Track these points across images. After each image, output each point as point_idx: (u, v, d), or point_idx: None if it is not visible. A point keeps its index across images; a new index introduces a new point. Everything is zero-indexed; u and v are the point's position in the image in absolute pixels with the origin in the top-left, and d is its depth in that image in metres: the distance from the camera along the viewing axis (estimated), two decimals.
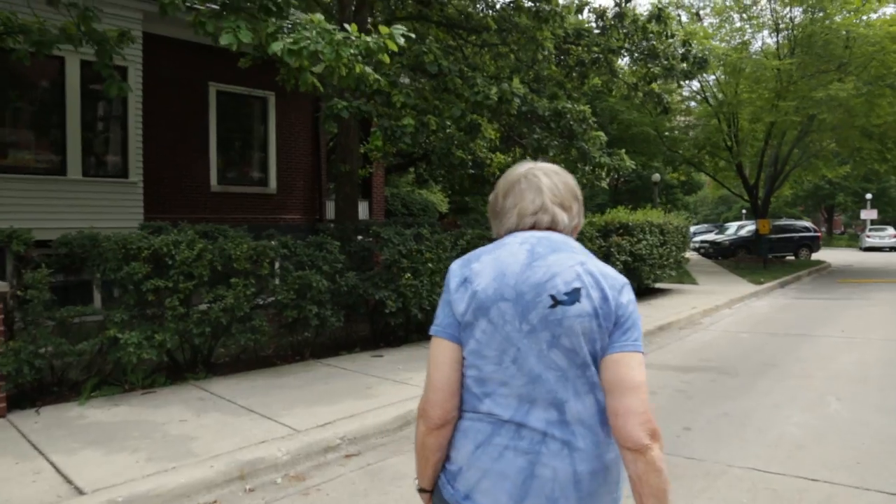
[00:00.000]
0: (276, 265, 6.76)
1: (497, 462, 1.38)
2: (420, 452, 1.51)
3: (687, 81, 10.14)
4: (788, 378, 6.60)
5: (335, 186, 11.63)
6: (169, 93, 12.01)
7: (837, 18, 17.33)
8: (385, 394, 5.71)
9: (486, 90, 6.94)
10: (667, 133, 22.65)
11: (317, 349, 7.50)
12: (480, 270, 1.45)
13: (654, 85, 10.56)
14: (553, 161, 12.25)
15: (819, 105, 16.44)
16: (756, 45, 20.95)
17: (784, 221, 28.12)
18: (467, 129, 7.88)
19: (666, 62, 9.31)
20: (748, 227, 28.46)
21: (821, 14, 17.32)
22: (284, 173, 14.68)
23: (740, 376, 6.75)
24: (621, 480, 1.44)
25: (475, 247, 8.55)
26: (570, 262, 1.40)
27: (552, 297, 1.36)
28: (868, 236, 35.51)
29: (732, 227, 30.78)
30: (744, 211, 47.94)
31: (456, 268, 1.52)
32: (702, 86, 21.75)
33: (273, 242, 6.43)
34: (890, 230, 35.95)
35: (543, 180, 1.53)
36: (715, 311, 11.72)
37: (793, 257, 26.15)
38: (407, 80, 9.33)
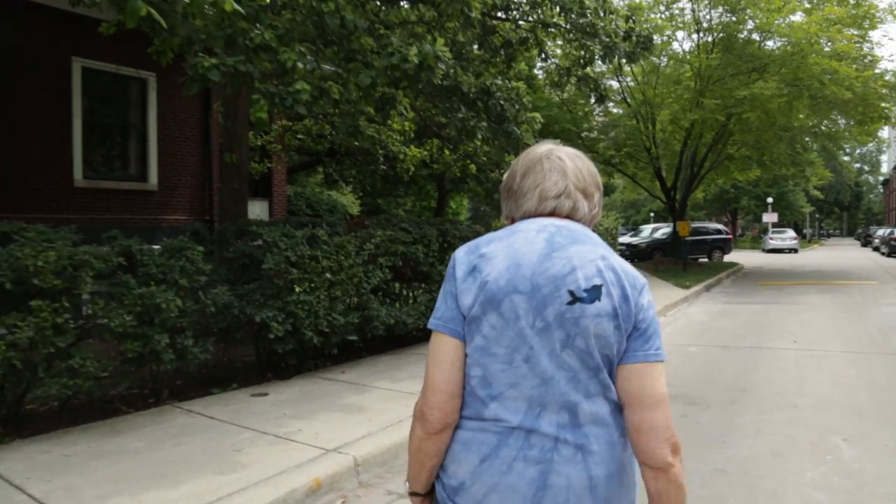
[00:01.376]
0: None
1: (506, 475, 1.25)
2: (415, 457, 1.36)
3: (626, 64, 9.11)
4: (770, 409, 5.36)
5: (221, 181, 9.69)
6: (15, 67, 9.72)
7: (752, 24, 16.90)
8: (260, 461, 3.99)
9: (403, 51, 5.33)
10: (585, 132, 21.79)
11: (181, 387, 5.66)
12: (491, 258, 1.30)
13: (587, 70, 9.26)
14: (480, 150, 10.83)
15: (741, 104, 15.84)
16: (675, 47, 20.39)
17: (697, 224, 28.01)
18: (378, 105, 6.24)
19: (607, 39, 8.00)
20: (663, 230, 28.23)
21: (741, 15, 16.79)
22: (168, 168, 12.56)
23: (712, 408, 5.45)
24: (637, 479, 1.30)
25: (387, 251, 6.95)
26: (592, 255, 1.29)
27: (571, 292, 1.24)
28: (771, 238, 36.37)
29: (647, 229, 30.56)
30: (652, 214, 48.61)
31: (462, 255, 1.36)
32: (620, 85, 21.02)
33: (104, 248, 4.56)
34: (790, 232, 37.01)
35: (568, 163, 1.39)
36: None
37: (706, 259, 26.00)
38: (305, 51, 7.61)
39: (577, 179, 1.39)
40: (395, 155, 12.79)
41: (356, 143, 11.32)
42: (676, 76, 19.38)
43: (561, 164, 1.39)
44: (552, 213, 1.37)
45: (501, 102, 7.07)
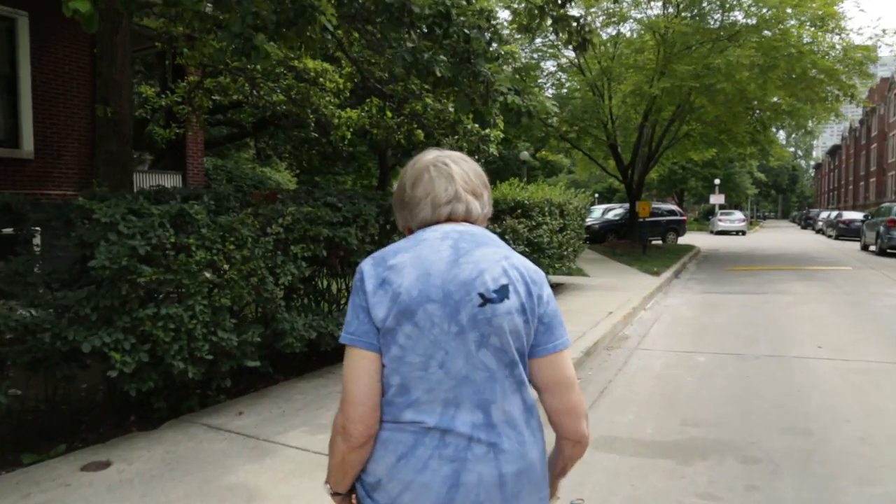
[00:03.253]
0: None
1: (420, 473, 1.25)
2: (339, 468, 1.34)
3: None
4: (870, 467, 3.59)
5: (97, 143, 7.33)
6: None
7: None
8: None
9: None
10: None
11: None
12: (401, 269, 1.28)
13: (564, 10, 7.29)
14: (430, 110, 8.66)
15: (715, 74, 14.25)
16: (637, 14, 18.64)
17: (652, 205, 26.72)
18: (291, 20, 4.10)
19: None
20: (615, 211, 26.85)
21: None
22: (48, 131, 10.07)
23: (784, 469, 3.64)
24: (546, 478, 1.37)
25: (305, 236, 4.87)
26: (496, 256, 1.31)
27: (481, 295, 1.26)
28: (720, 220, 35.61)
29: (597, 210, 29.13)
30: (596, 195, 47.50)
31: (369, 268, 1.32)
32: (576, 54, 19.23)
33: None
34: (738, 214, 36.35)
35: (453, 168, 1.39)
36: (633, 315, 8.84)
37: (660, 241, 24.73)
38: None
39: (465, 182, 1.39)
40: (328, 119, 10.62)
41: (252, 69, 9.08)
42: (640, 44, 17.69)
43: (447, 169, 1.38)
44: (448, 219, 1.37)
45: (466, 31, 5.03)
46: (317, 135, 12.63)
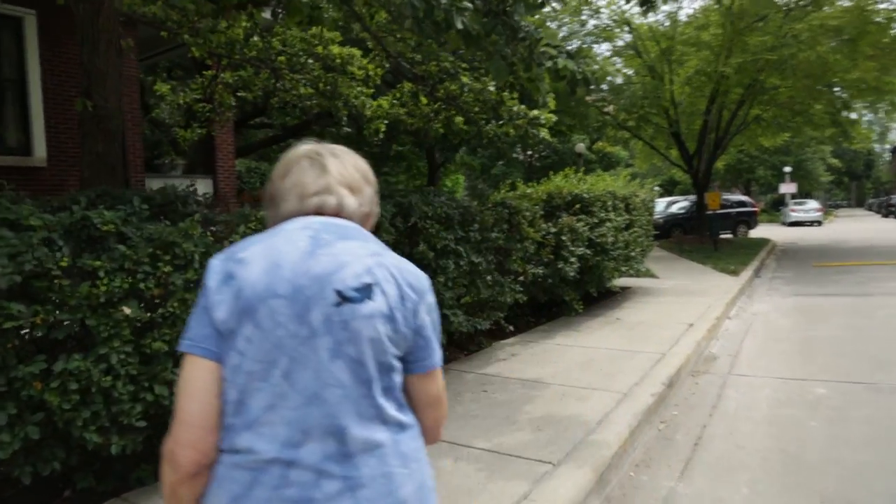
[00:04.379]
0: None
1: None
2: (171, 502, 1.07)
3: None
4: None
5: (81, 144, 6.32)
6: None
7: None
8: None
9: None
10: (591, 93, 18.30)
11: None
12: (249, 262, 1.08)
13: None
14: (468, 91, 6.86)
15: (795, 44, 12.39)
16: None
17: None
18: None
19: None
20: (679, 204, 24.95)
21: None
22: (61, 136, 9.23)
23: None
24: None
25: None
26: (363, 251, 1.11)
27: (338, 292, 1.06)
28: (793, 210, 32.87)
29: (660, 203, 27.11)
30: (656, 188, 44.92)
31: (217, 262, 1.11)
32: (633, 37, 17.54)
33: None
34: (812, 203, 33.54)
35: (329, 159, 1.21)
36: (717, 326, 7.30)
37: (731, 235, 22.66)
38: None
39: (341, 175, 1.20)
40: (359, 110, 9.45)
41: (274, 59, 7.97)
42: (703, 19, 15.87)
43: (321, 160, 1.21)
44: (318, 213, 1.17)
45: None
46: (349, 129, 11.54)
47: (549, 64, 4.28)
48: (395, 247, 4.37)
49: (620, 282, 9.82)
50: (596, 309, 8.12)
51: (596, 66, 4.46)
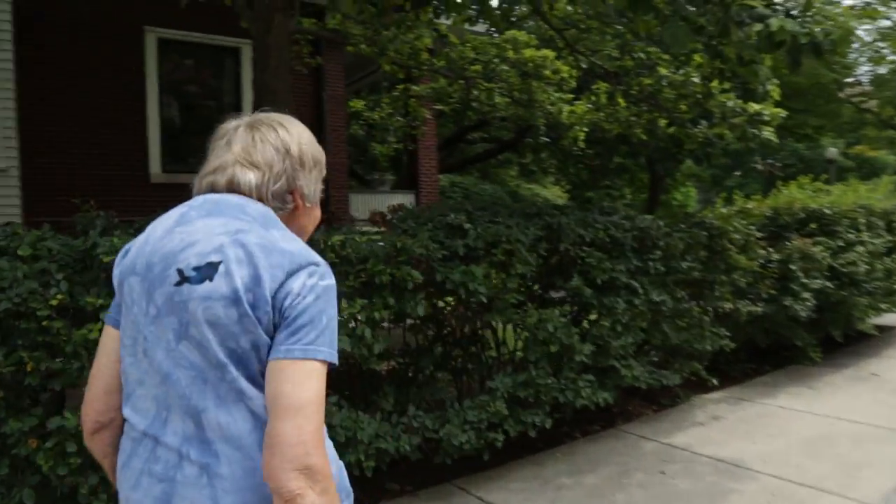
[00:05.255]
0: None
1: (134, 490, 1.03)
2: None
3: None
4: None
5: None
6: (76, 43, 7.50)
7: None
8: None
9: None
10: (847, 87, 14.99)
11: None
12: (136, 240, 1.11)
13: None
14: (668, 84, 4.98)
15: None
16: None
17: None
18: None
19: None
20: None
21: None
22: None
23: None
24: None
25: (370, 279, 2.91)
26: (223, 228, 1.03)
27: (180, 271, 1.01)
28: None
29: None
30: None
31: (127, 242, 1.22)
32: None
33: None
34: None
35: (240, 134, 1.14)
36: None
37: None
38: None
39: (245, 151, 1.12)
40: (556, 117, 8.56)
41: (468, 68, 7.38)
42: None
43: (234, 136, 1.14)
44: (211, 191, 1.12)
45: None
46: (547, 139, 10.69)
47: (757, 28, 3.01)
48: (537, 280, 3.43)
49: (880, 320, 7.51)
50: (841, 358, 6.16)
51: (830, 25, 3.09)
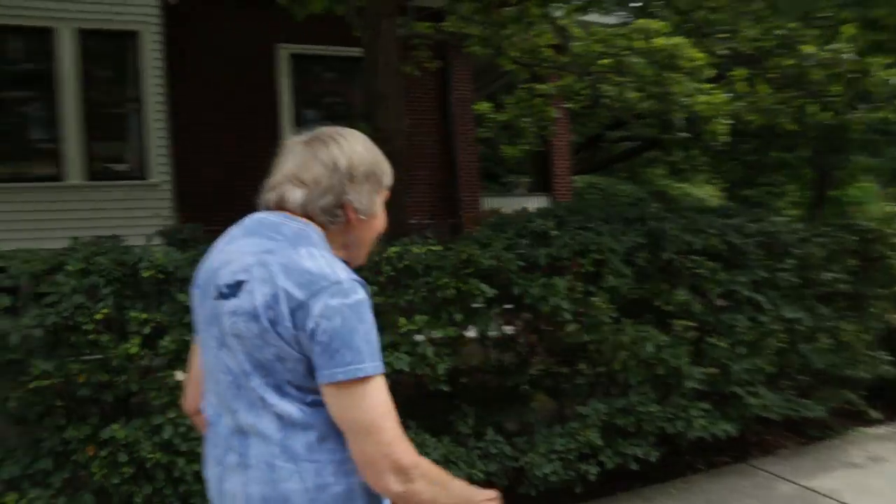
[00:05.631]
0: None
1: (206, 469, 1.20)
2: None
3: None
4: None
5: None
6: (213, 63, 8.14)
7: None
8: None
9: None
10: None
11: None
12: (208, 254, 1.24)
13: None
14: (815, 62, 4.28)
15: None
16: None
17: None
18: None
19: None
20: None
21: None
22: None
23: None
24: None
25: (430, 293, 2.74)
26: (255, 248, 1.11)
27: (217, 287, 1.13)
28: None
29: None
30: None
31: None
32: None
33: None
34: None
35: (296, 151, 1.19)
36: None
37: None
38: None
39: (298, 168, 1.17)
40: (693, 110, 7.83)
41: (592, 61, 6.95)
42: None
43: (288, 152, 1.20)
44: (268, 208, 1.20)
45: None
46: (686, 134, 9.82)
47: None
48: (635, 295, 3.03)
49: None
50: None
51: None
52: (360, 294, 1.07)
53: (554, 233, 2.95)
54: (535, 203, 11.16)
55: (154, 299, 2.15)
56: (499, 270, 2.69)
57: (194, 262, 2.23)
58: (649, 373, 3.03)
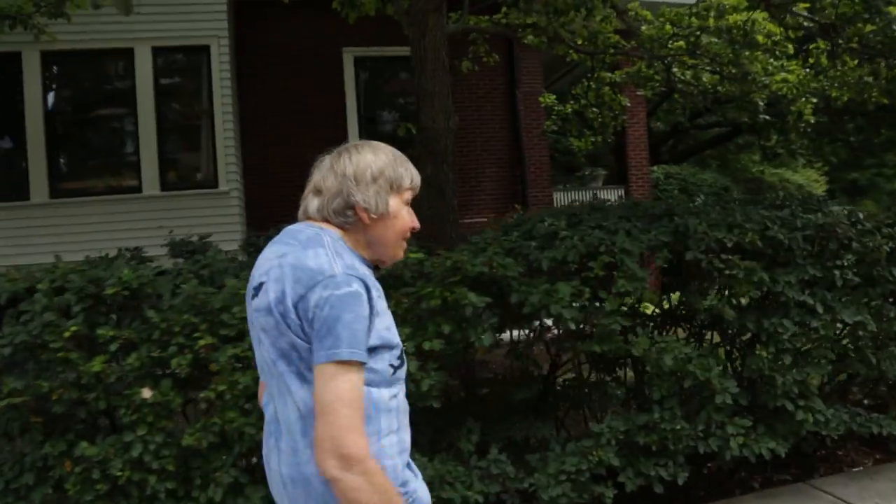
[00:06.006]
0: None
1: (264, 448, 1.31)
2: None
3: None
4: None
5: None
6: (280, 71, 8.36)
7: None
8: None
9: None
10: None
11: None
12: None
13: None
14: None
15: None
16: None
17: None
18: None
19: None
20: None
21: None
22: (464, 159, 9.85)
23: None
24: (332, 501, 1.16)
25: (415, 304, 2.61)
26: (275, 253, 1.27)
27: (249, 290, 1.29)
28: None
29: None
30: None
31: None
32: None
33: None
34: None
35: (323, 164, 1.34)
36: None
37: None
38: None
39: (319, 180, 1.32)
40: (773, 90, 7.20)
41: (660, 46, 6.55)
42: None
43: (317, 166, 1.35)
44: (299, 218, 1.37)
45: None
46: (766, 117, 9.01)
47: None
48: (655, 301, 2.75)
49: None
50: None
51: None
52: (353, 287, 1.14)
53: (564, 233, 2.73)
54: (612, 196, 10.70)
55: (126, 315, 2.16)
56: (493, 277, 2.51)
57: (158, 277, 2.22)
58: (674, 386, 2.75)
